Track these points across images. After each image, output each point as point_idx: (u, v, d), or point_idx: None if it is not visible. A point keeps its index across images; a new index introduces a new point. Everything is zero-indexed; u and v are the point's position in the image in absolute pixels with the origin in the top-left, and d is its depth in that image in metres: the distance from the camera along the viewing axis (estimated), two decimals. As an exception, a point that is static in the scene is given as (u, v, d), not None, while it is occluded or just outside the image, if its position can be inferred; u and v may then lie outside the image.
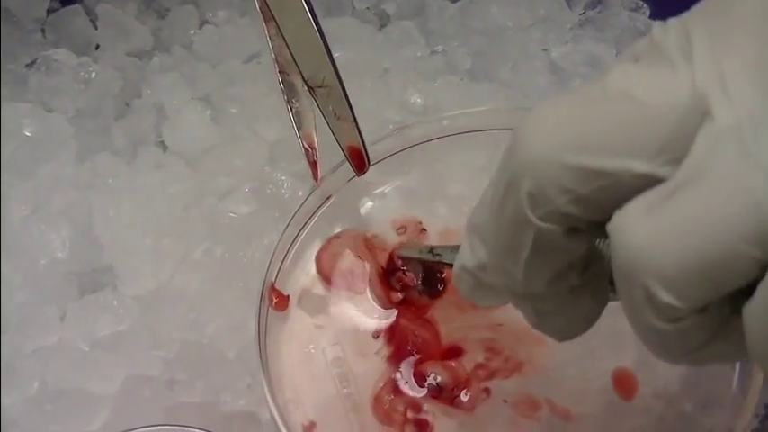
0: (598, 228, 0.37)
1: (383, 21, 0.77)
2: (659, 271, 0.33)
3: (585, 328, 0.42)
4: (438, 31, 0.74)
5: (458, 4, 0.75)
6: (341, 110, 0.59)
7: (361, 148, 0.61)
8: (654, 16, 0.74)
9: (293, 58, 0.59)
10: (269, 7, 0.58)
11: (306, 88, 0.59)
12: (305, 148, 0.61)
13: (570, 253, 0.39)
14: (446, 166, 0.66)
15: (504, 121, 0.65)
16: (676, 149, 0.34)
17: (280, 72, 0.60)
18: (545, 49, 0.73)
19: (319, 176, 0.62)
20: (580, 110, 0.36)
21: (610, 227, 0.35)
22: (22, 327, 0.62)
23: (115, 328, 0.62)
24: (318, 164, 0.61)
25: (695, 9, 0.37)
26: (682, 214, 0.33)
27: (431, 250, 0.58)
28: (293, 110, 0.60)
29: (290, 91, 0.60)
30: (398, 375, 0.58)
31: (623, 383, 0.57)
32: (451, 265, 0.48)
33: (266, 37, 0.59)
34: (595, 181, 0.35)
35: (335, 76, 0.59)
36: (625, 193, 0.35)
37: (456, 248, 0.49)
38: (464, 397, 0.57)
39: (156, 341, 0.62)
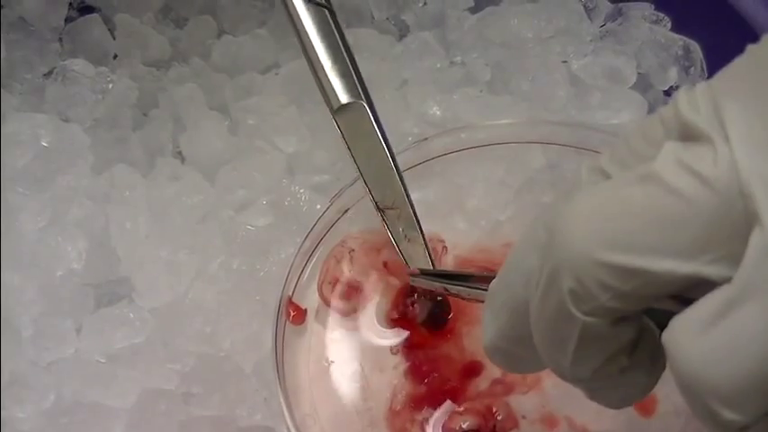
0: (647, 311, 0.36)
1: (402, 31, 0.76)
2: (719, 391, 0.33)
3: (642, 398, 0.41)
4: (457, 42, 0.74)
5: (477, 15, 0.75)
6: (411, 231, 0.60)
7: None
8: (675, 29, 0.74)
9: (363, 181, 0.60)
10: (338, 127, 0.60)
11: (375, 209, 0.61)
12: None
13: (618, 340, 0.38)
14: (465, 180, 0.65)
15: (524, 134, 0.65)
16: (722, 247, 0.33)
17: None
18: (565, 62, 0.73)
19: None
20: (618, 205, 0.35)
21: (665, 338, 0.34)
22: (37, 339, 0.62)
23: (131, 341, 0.62)
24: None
25: (724, 75, 0.36)
26: (739, 332, 0.32)
27: (446, 287, 0.57)
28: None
29: None
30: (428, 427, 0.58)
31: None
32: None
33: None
34: (637, 279, 0.34)
35: (407, 199, 0.60)
36: (671, 288, 0.34)
37: (473, 278, 0.48)
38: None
39: (172, 354, 0.61)
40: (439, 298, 0.60)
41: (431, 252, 0.60)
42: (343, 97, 0.61)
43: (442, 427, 0.57)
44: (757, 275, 0.32)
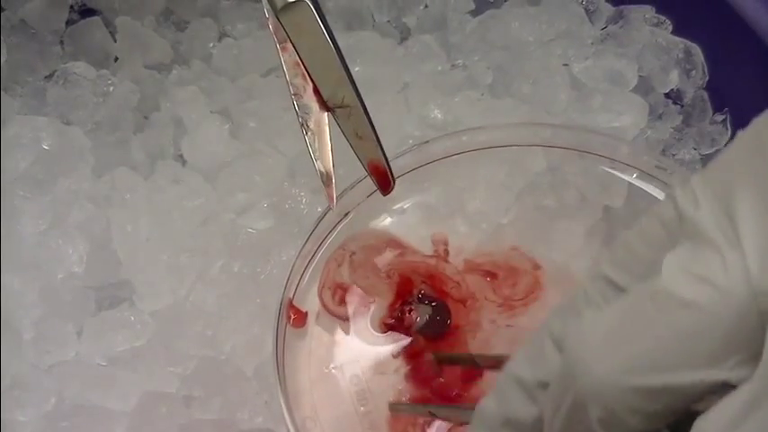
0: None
1: (404, 34, 0.76)
2: None
3: None
4: (458, 45, 0.74)
5: (478, 18, 0.75)
6: (362, 129, 0.59)
7: (385, 166, 0.60)
8: (676, 32, 0.74)
9: (311, 79, 0.58)
10: (284, 28, 0.57)
11: (323, 109, 0.59)
12: (320, 171, 0.60)
13: None
14: (466, 183, 0.65)
15: (525, 137, 0.65)
16: (743, 350, 0.33)
17: (294, 95, 0.59)
18: (566, 64, 0.72)
19: (334, 199, 0.61)
20: (634, 327, 0.35)
21: None
22: (38, 342, 0.62)
23: (132, 344, 0.62)
24: (333, 186, 0.61)
25: (718, 166, 0.36)
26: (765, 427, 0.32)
27: (431, 412, 0.57)
28: (308, 132, 0.59)
29: (304, 113, 0.59)
30: None
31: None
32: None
33: (280, 59, 0.59)
34: (666, 397, 0.34)
35: (356, 95, 0.58)
36: (698, 397, 0.34)
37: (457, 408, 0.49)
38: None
39: (173, 357, 0.61)
40: (434, 303, 0.60)
41: (383, 147, 0.60)
42: None
43: None
44: None
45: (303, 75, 0.58)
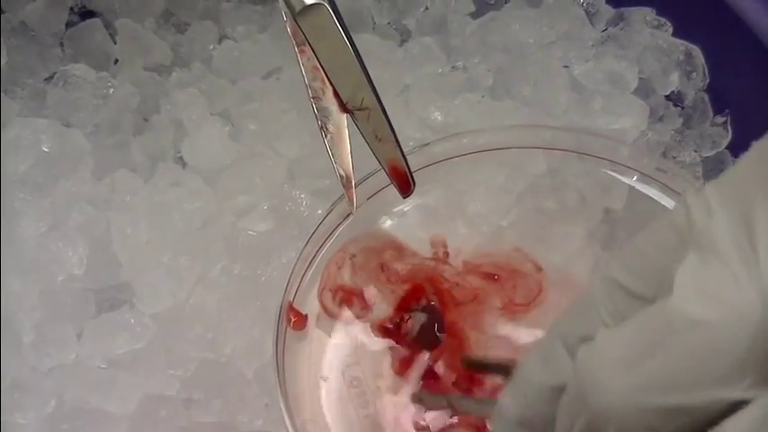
0: None
1: (404, 37, 0.76)
2: None
3: None
4: (459, 47, 0.74)
5: (479, 20, 0.75)
6: (382, 131, 0.59)
7: (405, 168, 0.60)
8: (676, 34, 0.74)
9: (330, 82, 0.59)
10: (302, 31, 0.58)
11: (342, 111, 0.59)
12: (339, 174, 0.60)
13: None
14: (466, 185, 0.65)
15: (525, 140, 0.65)
16: (759, 369, 0.33)
17: (313, 98, 0.59)
18: (566, 67, 0.72)
19: (354, 202, 0.61)
20: (648, 346, 0.34)
21: None
22: (38, 345, 0.62)
23: (132, 347, 0.62)
24: (353, 189, 0.61)
25: (733, 177, 0.36)
26: None
27: (452, 404, 0.57)
28: (327, 135, 0.60)
29: (324, 116, 0.59)
30: None
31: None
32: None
33: (298, 62, 0.59)
34: (683, 416, 0.34)
35: (375, 98, 0.59)
36: (716, 417, 0.34)
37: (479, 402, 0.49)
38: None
39: (173, 360, 0.61)
40: (429, 312, 0.60)
41: (402, 149, 0.60)
42: None
43: None
44: None
45: (322, 78, 0.59)
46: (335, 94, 0.59)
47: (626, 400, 0.34)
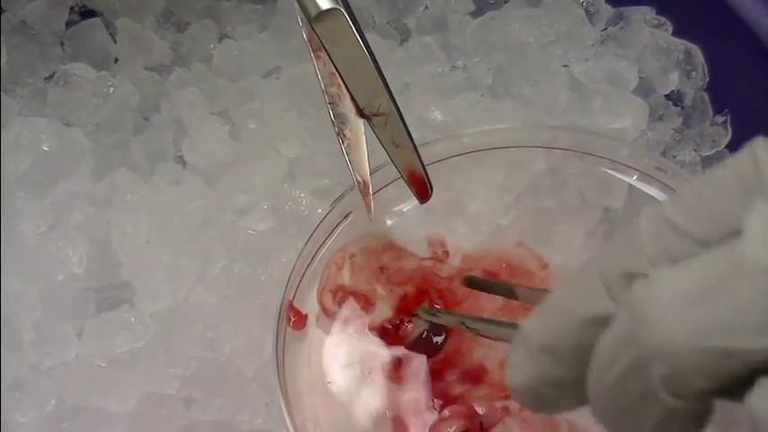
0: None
1: (404, 36, 0.76)
2: None
3: None
4: (459, 46, 0.74)
5: (478, 19, 0.74)
6: (399, 137, 0.59)
7: (423, 174, 0.60)
8: (676, 33, 0.74)
9: (347, 88, 0.59)
10: (318, 37, 0.58)
11: (360, 118, 0.59)
12: (357, 180, 0.60)
13: (696, 415, 0.37)
14: (466, 184, 0.65)
15: (525, 139, 0.65)
16: None
17: (330, 104, 0.59)
18: (566, 66, 0.72)
19: (372, 208, 0.61)
20: (713, 289, 0.34)
21: (755, 405, 0.34)
22: (38, 343, 0.62)
23: (132, 345, 0.62)
24: (371, 195, 0.61)
25: None
26: None
27: (464, 322, 0.57)
28: (344, 141, 0.60)
29: (341, 122, 0.59)
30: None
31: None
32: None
33: (314, 68, 0.59)
34: (737, 359, 0.33)
35: (392, 103, 0.59)
36: (764, 362, 0.33)
37: (492, 322, 0.48)
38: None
39: (173, 359, 0.61)
40: (433, 322, 0.60)
41: (420, 155, 0.60)
42: (323, 3, 0.58)
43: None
44: None
45: (339, 84, 0.59)
46: (352, 99, 0.59)
47: (683, 339, 0.34)
